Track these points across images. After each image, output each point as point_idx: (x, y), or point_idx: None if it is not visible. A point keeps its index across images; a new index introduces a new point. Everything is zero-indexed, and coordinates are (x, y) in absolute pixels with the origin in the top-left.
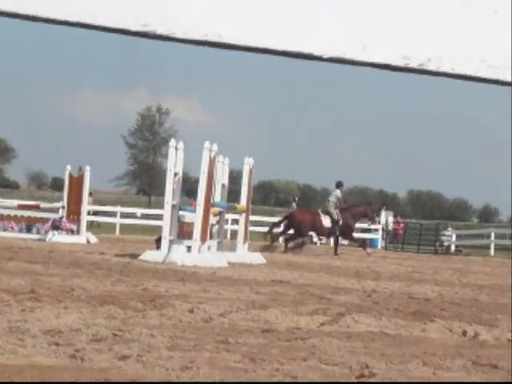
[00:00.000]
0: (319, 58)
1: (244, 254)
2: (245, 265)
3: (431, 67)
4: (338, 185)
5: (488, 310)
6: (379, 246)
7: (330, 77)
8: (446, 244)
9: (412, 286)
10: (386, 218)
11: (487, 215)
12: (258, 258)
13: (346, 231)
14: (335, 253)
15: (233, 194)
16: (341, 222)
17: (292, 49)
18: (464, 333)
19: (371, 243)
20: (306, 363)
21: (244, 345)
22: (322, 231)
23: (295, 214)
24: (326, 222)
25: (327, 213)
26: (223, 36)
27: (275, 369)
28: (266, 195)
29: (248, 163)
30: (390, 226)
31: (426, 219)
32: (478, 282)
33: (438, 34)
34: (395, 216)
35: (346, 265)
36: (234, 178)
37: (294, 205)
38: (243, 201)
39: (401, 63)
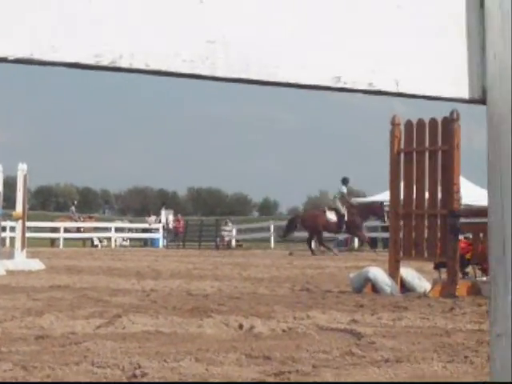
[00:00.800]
0: (5, 60)
1: (22, 260)
2: (24, 272)
3: (123, 64)
4: (344, 181)
5: (265, 302)
6: (160, 245)
7: (104, 81)
8: (226, 239)
9: (192, 283)
10: (167, 216)
11: (267, 208)
12: (37, 264)
13: (352, 227)
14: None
15: (10, 200)
16: (346, 218)
17: None
18: (240, 326)
19: (152, 243)
20: (77, 367)
21: (16, 353)
22: (328, 227)
23: (301, 214)
24: (332, 217)
25: (333, 208)
26: None
27: (46, 375)
28: (46, 200)
29: (22, 169)
30: (171, 225)
31: (207, 215)
32: (257, 275)
33: (129, 30)
34: (175, 214)
35: (126, 265)
36: (11, 184)
37: (73, 208)
38: (19, 207)
39: (92, 61)
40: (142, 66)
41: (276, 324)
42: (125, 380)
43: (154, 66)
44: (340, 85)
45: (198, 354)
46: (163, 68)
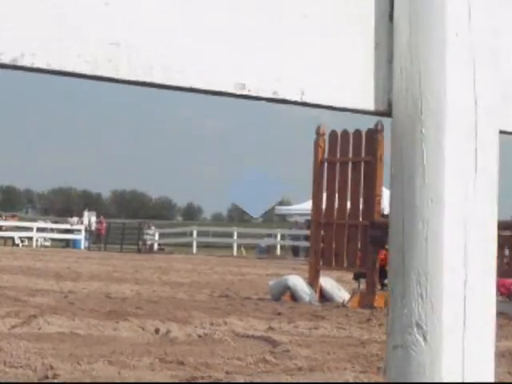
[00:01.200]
0: None
1: None
2: None
3: (25, 63)
4: None
5: (183, 307)
6: (82, 247)
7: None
8: (149, 243)
9: (111, 286)
10: (89, 218)
11: (191, 213)
12: None
13: None
14: None
15: None
16: None
17: None
18: (156, 330)
19: (74, 244)
20: None
21: None
22: None
23: None
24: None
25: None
26: None
27: None
28: None
29: None
30: (93, 226)
31: (130, 218)
32: (178, 279)
33: (31, 28)
34: (98, 216)
35: (46, 266)
36: None
37: None
38: None
39: None
40: (43, 66)
41: (192, 329)
42: (36, 381)
43: (56, 65)
44: (244, 92)
45: (112, 357)
46: (65, 68)
